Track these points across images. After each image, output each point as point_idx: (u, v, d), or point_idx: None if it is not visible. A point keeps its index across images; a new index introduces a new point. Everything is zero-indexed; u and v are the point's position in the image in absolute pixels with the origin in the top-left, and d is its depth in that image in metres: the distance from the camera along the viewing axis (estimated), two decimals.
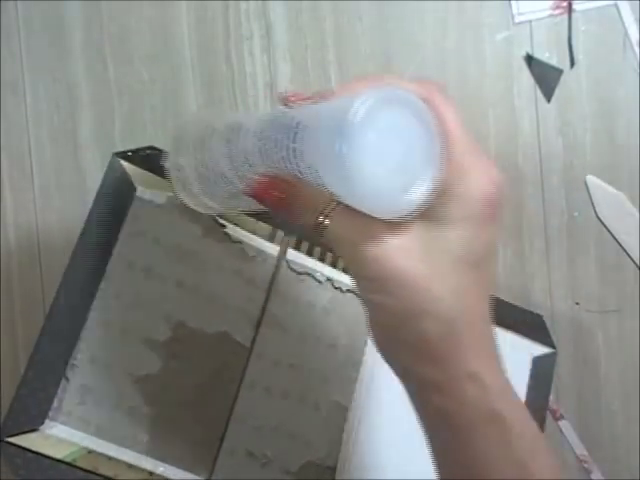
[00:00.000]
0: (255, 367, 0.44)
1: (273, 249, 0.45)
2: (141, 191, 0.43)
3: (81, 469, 0.38)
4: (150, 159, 0.43)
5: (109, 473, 0.39)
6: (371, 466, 0.44)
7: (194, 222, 0.43)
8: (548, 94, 0.49)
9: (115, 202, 0.42)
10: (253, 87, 0.50)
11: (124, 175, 0.42)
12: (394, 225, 0.27)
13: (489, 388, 0.27)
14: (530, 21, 0.49)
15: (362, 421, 0.45)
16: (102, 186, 0.41)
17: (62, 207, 0.51)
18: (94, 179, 0.51)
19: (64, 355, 0.40)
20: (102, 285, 0.42)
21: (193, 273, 0.43)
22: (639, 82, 0.49)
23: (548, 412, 0.50)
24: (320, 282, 0.45)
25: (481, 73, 0.49)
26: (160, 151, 0.43)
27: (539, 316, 0.48)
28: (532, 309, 0.49)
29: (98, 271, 0.42)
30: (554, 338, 0.49)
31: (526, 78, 0.49)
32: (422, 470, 0.42)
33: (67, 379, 0.40)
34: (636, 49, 0.49)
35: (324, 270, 0.45)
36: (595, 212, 0.49)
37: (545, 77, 0.49)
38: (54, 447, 0.38)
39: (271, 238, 0.45)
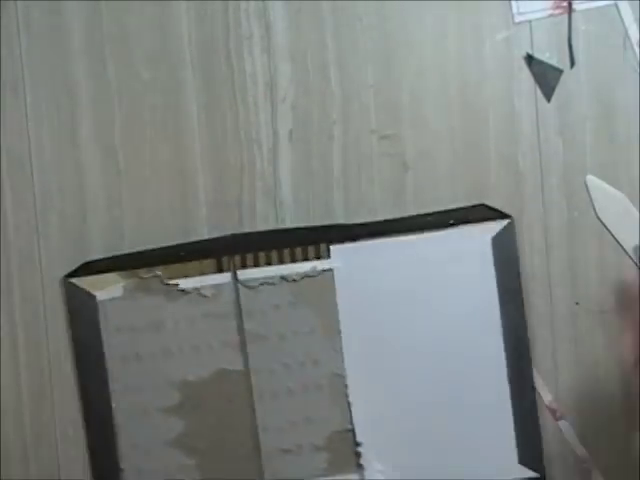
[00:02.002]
0: (257, 381, 0.50)
1: (225, 277, 0.50)
2: (100, 294, 0.50)
3: None
4: (93, 266, 0.51)
5: None
6: (383, 417, 0.49)
7: (152, 295, 0.50)
8: (548, 94, 0.49)
9: (85, 316, 0.50)
10: (253, 87, 0.50)
11: (80, 291, 0.50)
12: None
13: None
14: (530, 21, 0.49)
15: (361, 380, 0.49)
16: (69, 312, 0.50)
17: (62, 207, 0.51)
18: (94, 179, 0.51)
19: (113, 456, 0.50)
20: (112, 387, 0.50)
21: (172, 337, 0.50)
22: (639, 82, 0.49)
23: (548, 412, 0.50)
24: (275, 284, 0.50)
25: (481, 73, 0.49)
26: (99, 260, 0.50)
27: (481, 205, 0.49)
28: (531, 309, 0.49)
29: (103, 377, 0.50)
30: (553, 337, 0.49)
31: (526, 78, 0.49)
32: (430, 404, 0.49)
33: (122, 469, 0.50)
34: (636, 49, 0.49)
35: (275, 272, 0.50)
36: (595, 212, 0.49)
37: (545, 77, 0.49)
38: None
39: (219, 269, 0.50)
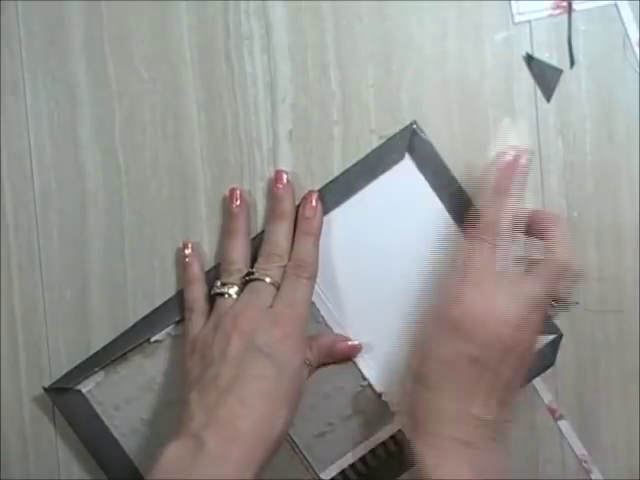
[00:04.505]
0: None
1: None
2: (83, 386, 0.51)
3: None
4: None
5: None
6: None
7: (131, 362, 0.51)
8: (548, 94, 0.49)
9: (81, 413, 0.51)
10: (253, 87, 0.50)
11: (65, 392, 0.51)
12: None
13: None
14: (530, 21, 0.49)
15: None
16: (68, 419, 0.51)
17: (62, 207, 0.51)
18: (94, 179, 0.51)
19: None
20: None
21: (168, 388, 0.51)
22: (639, 82, 0.49)
23: (548, 412, 0.50)
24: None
25: (481, 73, 0.49)
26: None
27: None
28: None
29: (119, 452, 0.52)
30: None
31: (526, 78, 0.49)
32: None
33: None
34: (636, 49, 0.49)
35: None
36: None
37: (545, 77, 0.49)
38: None
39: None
